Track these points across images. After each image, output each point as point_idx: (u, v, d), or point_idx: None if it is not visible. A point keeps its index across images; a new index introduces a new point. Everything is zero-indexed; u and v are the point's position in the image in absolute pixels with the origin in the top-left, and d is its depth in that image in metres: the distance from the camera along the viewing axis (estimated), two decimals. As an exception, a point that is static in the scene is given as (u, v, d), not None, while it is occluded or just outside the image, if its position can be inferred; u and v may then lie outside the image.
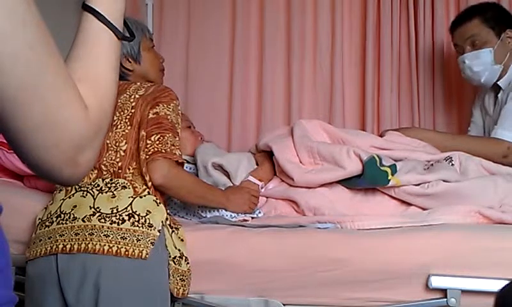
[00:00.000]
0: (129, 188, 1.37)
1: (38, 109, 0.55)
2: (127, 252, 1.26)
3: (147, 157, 1.38)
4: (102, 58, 0.66)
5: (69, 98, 0.58)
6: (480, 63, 1.95)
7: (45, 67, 0.55)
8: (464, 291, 1.33)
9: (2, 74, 0.52)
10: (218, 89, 2.66)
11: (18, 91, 0.53)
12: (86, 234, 1.28)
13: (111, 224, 1.29)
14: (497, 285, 0.84)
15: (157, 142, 1.39)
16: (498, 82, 1.99)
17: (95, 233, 1.27)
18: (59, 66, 0.57)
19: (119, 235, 1.27)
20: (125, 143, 1.42)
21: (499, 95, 2.01)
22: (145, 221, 1.31)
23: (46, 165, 0.58)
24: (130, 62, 1.61)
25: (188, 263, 1.41)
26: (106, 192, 1.35)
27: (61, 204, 1.37)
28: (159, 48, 2.50)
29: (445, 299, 1.34)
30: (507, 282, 0.83)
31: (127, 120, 1.44)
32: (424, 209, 1.56)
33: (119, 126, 1.43)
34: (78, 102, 0.59)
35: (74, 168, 0.60)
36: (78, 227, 1.30)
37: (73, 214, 1.33)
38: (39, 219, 1.42)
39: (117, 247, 1.26)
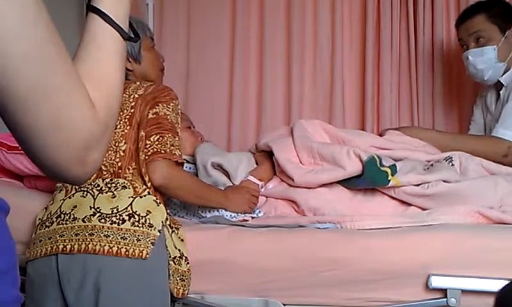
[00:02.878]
0: (129, 188, 1.37)
1: (47, 109, 0.56)
2: (127, 253, 1.26)
3: (146, 157, 1.38)
4: (108, 58, 0.67)
5: (78, 98, 0.59)
6: (484, 60, 1.95)
7: (54, 68, 0.56)
8: (464, 291, 1.33)
9: (13, 74, 0.53)
10: (218, 89, 2.66)
11: (28, 91, 0.54)
12: (86, 234, 1.28)
13: (111, 224, 1.29)
14: (497, 285, 0.84)
15: (157, 142, 1.38)
16: (500, 79, 1.99)
17: (95, 234, 1.27)
18: (68, 67, 0.58)
19: (119, 235, 1.27)
20: (124, 143, 1.42)
21: (501, 92, 2.00)
22: (145, 221, 1.31)
23: (55, 164, 0.59)
24: (130, 62, 1.60)
25: (188, 263, 1.41)
26: (106, 192, 1.35)
27: (61, 204, 1.37)
28: (159, 48, 2.49)
29: (445, 299, 1.34)
30: (507, 282, 0.83)
31: (126, 120, 1.43)
32: (423, 209, 1.56)
33: (118, 126, 1.43)
34: (86, 102, 0.60)
35: (82, 167, 0.61)
36: (78, 227, 1.30)
37: (73, 214, 1.33)
38: (39, 219, 1.42)
39: (117, 247, 1.26)
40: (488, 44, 1.94)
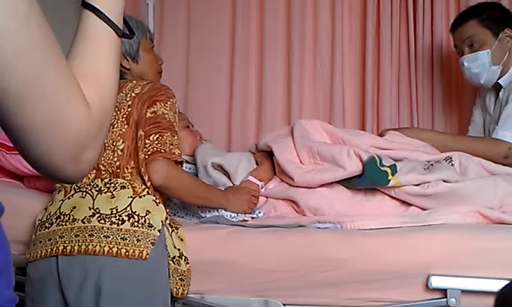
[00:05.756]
0: (128, 188, 1.36)
1: (41, 107, 0.55)
2: (127, 253, 1.26)
3: (146, 156, 1.38)
4: (103, 55, 0.67)
5: (72, 97, 0.58)
6: (478, 65, 1.95)
7: (48, 66, 0.55)
8: (464, 291, 1.33)
9: (6, 73, 0.52)
10: (218, 89, 2.66)
11: (22, 90, 0.53)
12: (86, 235, 1.28)
13: (110, 224, 1.29)
14: (497, 285, 0.84)
15: (156, 141, 1.38)
16: (499, 81, 1.99)
17: (95, 234, 1.27)
18: (62, 65, 0.57)
19: (119, 236, 1.27)
20: (122, 142, 1.42)
21: (500, 94, 2.01)
22: (145, 221, 1.31)
23: (49, 163, 0.58)
24: (128, 61, 1.59)
25: (188, 263, 1.41)
26: (105, 193, 1.35)
27: (61, 205, 1.37)
28: (159, 48, 2.50)
29: (445, 299, 1.34)
30: (507, 282, 0.83)
31: (123, 119, 1.43)
32: (423, 209, 1.56)
33: (116, 126, 1.43)
34: (80, 100, 0.59)
35: (77, 166, 0.60)
36: (78, 228, 1.29)
37: (72, 215, 1.32)
38: (39, 220, 1.41)
39: (117, 248, 1.26)
40: (481, 48, 1.95)
